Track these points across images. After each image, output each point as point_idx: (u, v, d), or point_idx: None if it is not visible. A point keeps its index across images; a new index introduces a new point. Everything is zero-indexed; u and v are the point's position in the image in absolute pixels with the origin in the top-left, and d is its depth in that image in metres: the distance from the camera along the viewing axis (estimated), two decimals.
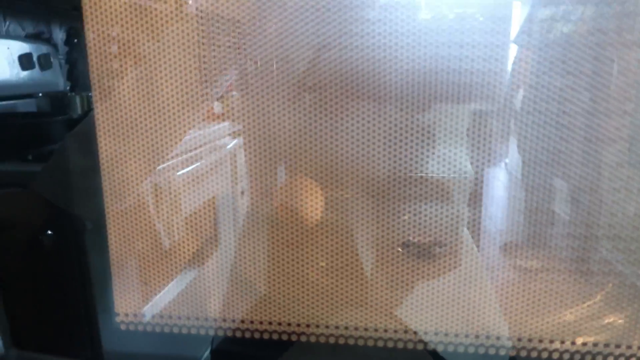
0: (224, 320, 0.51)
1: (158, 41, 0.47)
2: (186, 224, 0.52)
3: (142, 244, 0.51)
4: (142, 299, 0.52)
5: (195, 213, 0.52)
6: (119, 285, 0.52)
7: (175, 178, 0.53)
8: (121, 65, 0.48)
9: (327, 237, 0.49)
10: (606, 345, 0.44)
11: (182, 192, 0.52)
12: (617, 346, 0.44)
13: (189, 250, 0.53)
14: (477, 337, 0.46)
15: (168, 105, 0.48)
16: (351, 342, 0.47)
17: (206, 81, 0.49)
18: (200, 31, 0.47)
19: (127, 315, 0.52)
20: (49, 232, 0.63)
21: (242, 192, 0.54)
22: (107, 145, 0.49)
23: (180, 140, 0.49)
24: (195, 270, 0.53)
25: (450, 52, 0.43)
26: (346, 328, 0.47)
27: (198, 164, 0.53)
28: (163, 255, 0.52)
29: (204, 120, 0.51)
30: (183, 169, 0.53)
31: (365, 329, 0.47)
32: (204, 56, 0.48)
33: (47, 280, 0.56)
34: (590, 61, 0.43)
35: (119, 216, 0.51)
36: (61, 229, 0.61)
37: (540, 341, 0.45)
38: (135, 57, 0.47)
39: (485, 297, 0.47)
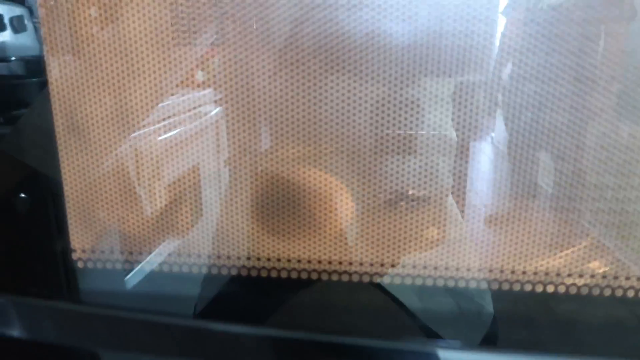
0: (200, 256, 0.50)
1: None
2: (159, 173, 0.51)
3: (103, 179, 0.50)
4: (106, 235, 0.52)
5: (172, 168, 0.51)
6: (75, 219, 0.51)
7: (147, 144, 0.51)
8: (78, 22, 0.46)
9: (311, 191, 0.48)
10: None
11: (157, 152, 0.51)
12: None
13: (160, 194, 0.52)
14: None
15: (134, 67, 0.46)
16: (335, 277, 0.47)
17: (182, 42, 0.47)
18: None
19: (84, 251, 0.51)
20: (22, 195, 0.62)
21: (227, 159, 0.53)
22: (62, 111, 0.48)
23: (151, 107, 0.48)
24: (172, 209, 0.52)
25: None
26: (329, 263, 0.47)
27: (169, 134, 0.52)
28: (130, 192, 0.51)
29: (184, 86, 0.50)
30: (157, 136, 0.52)
31: (350, 263, 0.47)
32: (180, 11, 0.47)
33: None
34: (577, 32, 0.43)
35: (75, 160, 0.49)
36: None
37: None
38: (96, 13, 0.46)
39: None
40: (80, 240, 0.52)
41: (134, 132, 0.50)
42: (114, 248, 0.52)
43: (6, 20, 0.82)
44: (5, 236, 0.58)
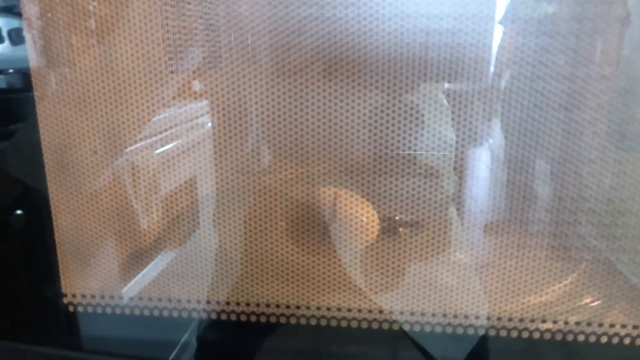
0: (198, 302, 0.50)
1: (114, 8, 0.44)
2: (153, 201, 0.51)
3: (95, 220, 0.49)
4: (96, 278, 0.51)
5: (166, 191, 0.51)
6: (66, 262, 0.50)
7: (141, 158, 0.51)
8: (65, 37, 0.45)
9: (307, 215, 0.48)
10: (588, 324, 0.45)
11: (150, 170, 0.50)
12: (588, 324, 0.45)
13: (155, 228, 0.51)
14: (455, 316, 0.46)
15: (122, 83, 0.46)
16: (334, 323, 0.47)
17: (172, 55, 0.47)
18: None
19: (74, 296, 0.50)
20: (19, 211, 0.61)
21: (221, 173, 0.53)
22: (49, 128, 0.47)
23: (143, 120, 0.47)
24: (165, 248, 0.51)
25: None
26: (328, 309, 0.47)
27: (166, 146, 0.51)
28: (123, 233, 0.50)
29: (178, 98, 0.49)
30: (155, 149, 0.51)
31: (349, 310, 0.47)
32: (169, 25, 0.46)
33: None
34: (573, 40, 0.43)
35: (65, 190, 0.48)
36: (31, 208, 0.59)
37: (521, 320, 0.46)
38: (82, 26, 0.45)
39: (467, 275, 0.47)
40: (74, 281, 0.51)
41: (124, 156, 0.49)
42: (107, 290, 0.51)
43: (4, 33, 0.81)
44: None
